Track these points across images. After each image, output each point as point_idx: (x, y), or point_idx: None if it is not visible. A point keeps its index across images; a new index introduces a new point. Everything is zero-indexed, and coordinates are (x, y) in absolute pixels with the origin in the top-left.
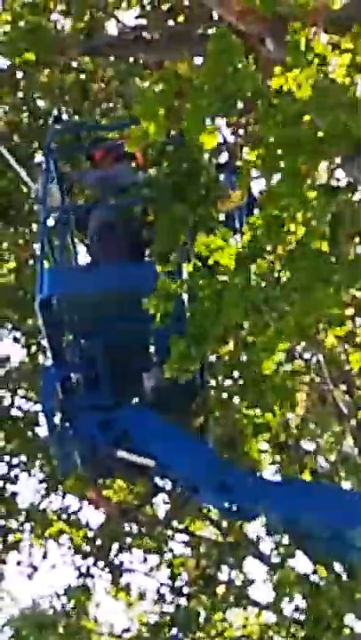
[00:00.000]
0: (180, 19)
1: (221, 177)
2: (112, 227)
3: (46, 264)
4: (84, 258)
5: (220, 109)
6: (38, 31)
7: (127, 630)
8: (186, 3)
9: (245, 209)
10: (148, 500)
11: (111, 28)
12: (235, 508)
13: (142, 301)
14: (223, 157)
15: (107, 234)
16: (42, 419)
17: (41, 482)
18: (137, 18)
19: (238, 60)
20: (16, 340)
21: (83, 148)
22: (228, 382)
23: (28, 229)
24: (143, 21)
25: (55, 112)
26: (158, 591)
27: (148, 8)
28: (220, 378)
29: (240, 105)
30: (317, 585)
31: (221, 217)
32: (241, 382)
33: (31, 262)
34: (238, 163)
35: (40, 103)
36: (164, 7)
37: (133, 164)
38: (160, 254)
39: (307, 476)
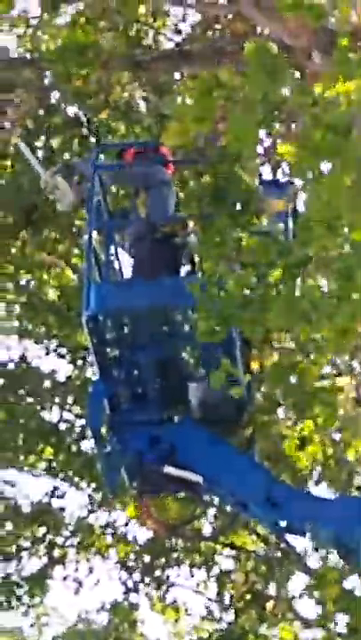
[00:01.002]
0: (224, 33)
1: (261, 188)
2: (145, 240)
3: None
4: (127, 271)
5: (264, 121)
6: (84, 47)
7: None
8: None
9: (289, 216)
10: (195, 515)
11: (154, 41)
12: (282, 524)
13: (188, 315)
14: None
15: (140, 247)
16: (89, 433)
17: (88, 497)
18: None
19: (280, 71)
20: (62, 356)
21: (126, 166)
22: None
23: (56, 232)
24: (186, 35)
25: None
26: (206, 607)
27: (192, 23)
28: (265, 391)
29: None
30: None
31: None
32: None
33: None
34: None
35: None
36: (208, 21)
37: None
38: (205, 266)
39: (354, 492)
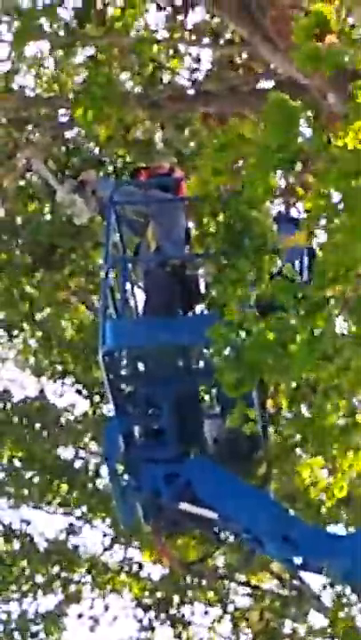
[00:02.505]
0: (240, 72)
1: (276, 227)
2: (157, 274)
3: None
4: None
5: (280, 166)
6: (107, 88)
7: None
8: (245, 56)
9: (305, 256)
10: (210, 552)
11: (171, 81)
12: (299, 562)
13: (203, 352)
14: (278, 208)
15: (153, 281)
16: (104, 470)
17: (103, 534)
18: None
19: (296, 124)
20: (79, 392)
21: (142, 202)
22: (289, 433)
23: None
24: (202, 74)
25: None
26: None
27: (208, 62)
28: (281, 429)
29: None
30: None
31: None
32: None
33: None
34: (293, 213)
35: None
36: (224, 61)
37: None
38: (221, 306)
39: None
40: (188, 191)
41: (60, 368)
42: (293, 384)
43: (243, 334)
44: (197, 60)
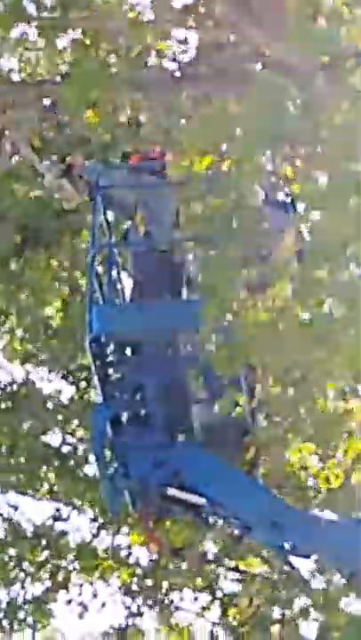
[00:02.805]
0: (228, 54)
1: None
2: (145, 259)
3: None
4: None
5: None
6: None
7: None
8: (233, 38)
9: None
10: (198, 538)
11: (157, 63)
12: (287, 546)
13: (191, 337)
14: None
15: (141, 266)
16: (92, 457)
17: (91, 520)
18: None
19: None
20: (64, 378)
21: (131, 187)
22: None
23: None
24: (188, 57)
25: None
26: (210, 631)
27: (195, 44)
28: (271, 414)
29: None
30: None
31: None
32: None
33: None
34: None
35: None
36: (211, 43)
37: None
38: (209, 290)
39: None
40: (174, 172)
41: (46, 354)
42: (283, 367)
43: (231, 316)
44: (185, 42)
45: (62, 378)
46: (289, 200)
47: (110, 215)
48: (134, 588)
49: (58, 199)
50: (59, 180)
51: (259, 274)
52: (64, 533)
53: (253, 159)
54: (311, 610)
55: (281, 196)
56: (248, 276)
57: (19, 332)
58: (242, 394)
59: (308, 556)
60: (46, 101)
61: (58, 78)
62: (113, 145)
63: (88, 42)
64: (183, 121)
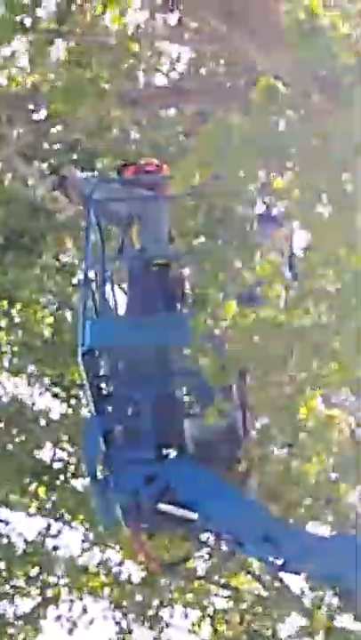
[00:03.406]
0: (221, 70)
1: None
2: (139, 273)
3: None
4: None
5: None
6: (79, 84)
7: None
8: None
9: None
10: (190, 554)
11: (150, 78)
12: (279, 562)
13: (184, 352)
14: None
15: (135, 280)
16: (83, 472)
17: (82, 536)
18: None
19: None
20: (55, 395)
21: (123, 200)
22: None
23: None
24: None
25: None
26: None
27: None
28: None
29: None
30: None
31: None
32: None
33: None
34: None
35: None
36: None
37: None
38: (201, 300)
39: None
40: (176, 187)
41: (37, 369)
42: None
43: (224, 324)
44: (177, 58)
45: (53, 396)
46: (282, 214)
47: (105, 228)
48: (125, 604)
49: (50, 208)
50: (52, 193)
51: (250, 285)
52: (55, 549)
53: (250, 165)
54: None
55: (275, 211)
56: (240, 287)
57: (7, 348)
58: (232, 405)
59: (298, 573)
60: (37, 112)
61: (48, 90)
62: (101, 154)
63: (80, 55)
64: (180, 136)
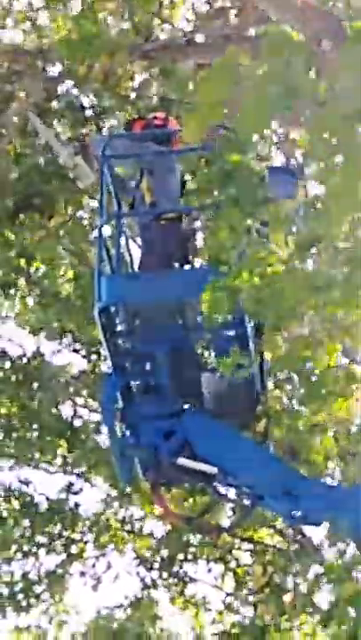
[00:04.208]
0: (233, 21)
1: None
2: (152, 229)
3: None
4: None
5: (278, 105)
6: (92, 36)
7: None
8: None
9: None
10: (211, 508)
11: (163, 31)
12: (299, 515)
13: (199, 307)
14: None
15: (148, 235)
16: (103, 428)
17: (104, 492)
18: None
19: (297, 57)
20: (76, 350)
21: (137, 156)
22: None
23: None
24: (194, 25)
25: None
26: (224, 601)
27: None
28: (280, 382)
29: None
30: None
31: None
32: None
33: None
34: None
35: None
36: (216, 10)
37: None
38: (215, 258)
39: None
40: (182, 140)
41: (56, 325)
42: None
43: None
44: (191, 8)
45: (73, 351)
46: (296, 166)
47: (118, 184)
48: (148, 559)
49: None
50: (73, 159)
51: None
52: (77, 506)
53: (265, 118)
54: (324, 580)
55: (288, 163)
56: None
57: (30, 302)
58: (249, 359)
59: (319, 524)
60: (50, 70)
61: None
62: (111, 111)
63: (92, 9)
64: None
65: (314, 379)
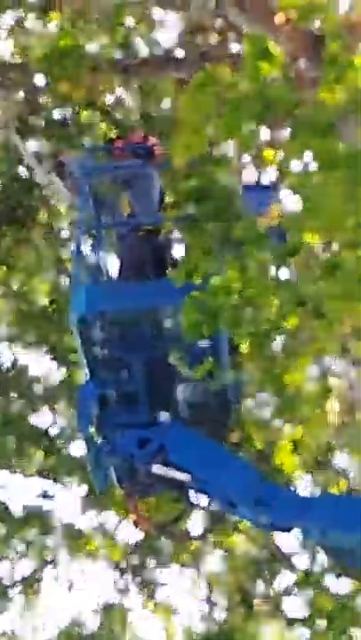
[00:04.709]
0: (212, 39)
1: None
2: (130, 240)
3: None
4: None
5: (258, 115)
6: (72, 51)
7: None
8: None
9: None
10: (183, 515)
11: (143, 47)
12: (270, 523)
13: (175, 316)
14: (249, 176)
15: (126, 246)
16: (79, 436)
17: (79, 499)
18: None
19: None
20: (54, 359)
21: (114, 168)
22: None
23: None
24: (175, 41)
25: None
26: (196, 606)
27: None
28: (254, 392)
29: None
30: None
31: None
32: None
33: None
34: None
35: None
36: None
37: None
38: (190, 269)
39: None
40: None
41: (33, 335)
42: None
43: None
44: (169, 26)
45: (51, 360)
46: (270, 182)
47: (96, 197)
48: (121, 565)
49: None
50: (49, 176)
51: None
52: (52, 512)
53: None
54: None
55: (263, 180)
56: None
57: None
58: (223, 369)
59: (289, 530)
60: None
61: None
62: (91, 128)
63: (72, 24)
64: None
65: (288, 391)
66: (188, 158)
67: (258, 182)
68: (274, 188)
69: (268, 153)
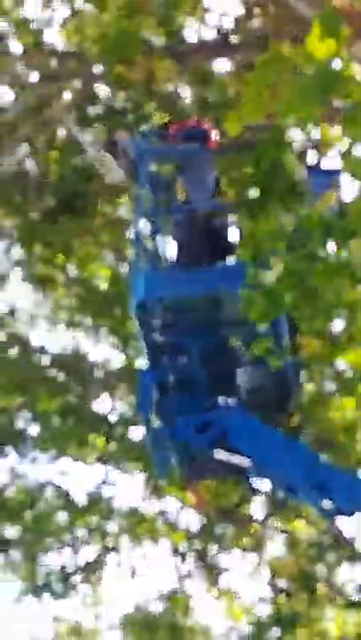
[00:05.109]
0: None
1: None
2: (188, 225)
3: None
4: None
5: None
6: (127, 36)
7: (230, 630)
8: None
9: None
10: (244, 500)
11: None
12: (332, 508)
13: (236, 301)
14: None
15: (184, 232)
16: (139, 421)
17: (140, 485)
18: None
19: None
20: (114, 345)
21: (175, 152)
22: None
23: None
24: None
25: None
26: (257, 591)
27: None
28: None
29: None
30: None
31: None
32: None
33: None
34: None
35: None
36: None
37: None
38: (252, 253)
39: None
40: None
41: (93, 321)
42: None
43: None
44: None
45: (110, 345)
46: (333, 166)
47: (153, 182)
48: (183, 550)
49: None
50: (102, 155)
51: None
52: (113, 498)
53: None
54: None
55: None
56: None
57: (67, 299)
58: (284, 349)
59: (351, 514)
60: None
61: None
62: (149, 116)
63: (129, 11)
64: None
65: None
66: (243, 129)
67: (321, 167)
68: (337, 172)
69: (330, 135)
